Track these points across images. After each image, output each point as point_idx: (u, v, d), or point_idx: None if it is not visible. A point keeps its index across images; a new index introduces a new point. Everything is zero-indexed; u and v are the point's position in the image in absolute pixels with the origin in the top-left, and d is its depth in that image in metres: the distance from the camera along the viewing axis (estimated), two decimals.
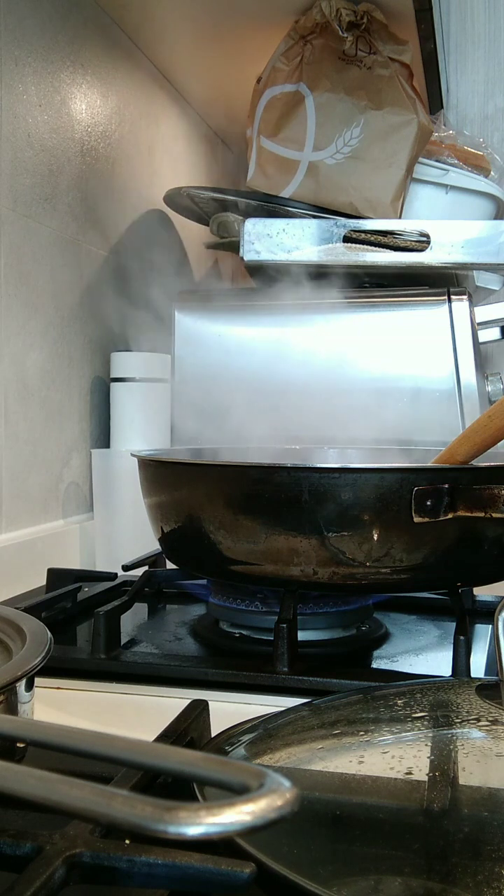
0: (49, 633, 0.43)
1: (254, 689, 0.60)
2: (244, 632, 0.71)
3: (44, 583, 0.84)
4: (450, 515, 0.60)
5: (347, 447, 0.96)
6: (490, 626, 0.72)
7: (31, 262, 0.96)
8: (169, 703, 0.54)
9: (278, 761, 0.42)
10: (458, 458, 0.66)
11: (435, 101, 1.37)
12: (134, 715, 0.59)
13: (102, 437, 1.12)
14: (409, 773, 0.39)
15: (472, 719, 0.44)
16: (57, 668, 0.62)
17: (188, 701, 0.48)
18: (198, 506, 0.66)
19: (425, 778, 0.40)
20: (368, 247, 1.08)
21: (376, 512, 0.61)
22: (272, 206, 1.10)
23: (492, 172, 1.28)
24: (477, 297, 1.21)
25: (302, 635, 0.64)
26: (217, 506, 0.65)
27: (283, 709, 0.49)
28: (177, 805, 0.23)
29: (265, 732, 0.45)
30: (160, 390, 1.10)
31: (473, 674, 0.61)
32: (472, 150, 1.27)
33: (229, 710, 0.54)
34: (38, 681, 0.41)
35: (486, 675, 0.62)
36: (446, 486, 0.60)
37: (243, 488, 0.64)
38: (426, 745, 0.43)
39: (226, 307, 1.16)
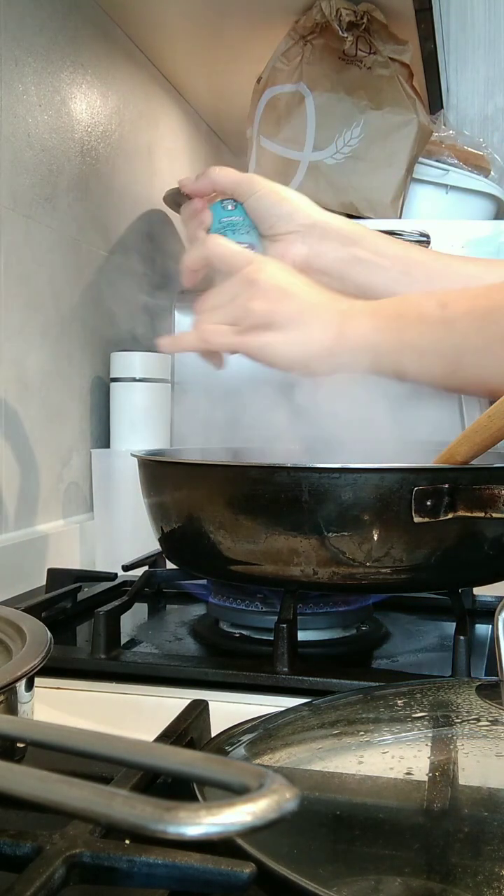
0: (49, 633, 0.43)
1: (254, 689, 0.60)
2: (244, 632, 0.71)
3: (44, 583, 0.84)
4: (450, 515, 0.60)
5: (347, 447, 0.96)
6: (490, 626, 0.72)
7: (31, 262, 0.96)
8: (169, 703, 0.54)
9: (278, 761, 0.42)
10: (458, 458, 0.66)
11: (435, 101, 1.37)
12: (134, 715, 0.59)
13: (102, 437, 1.12)
14: (409, 773, 0.39)
15: (472, 719, 0.44)
16: (57, 668, 0.62)
17: (188, 701, 0.48)
18: (198, 506, 0.66)
19: (425, 778, 0.39)
20: None
21: (376, 512, 0.61)
22: None
23: (492, 172, 1.28)
24: None
25: (302, 635, 0.64)
26: (217, 506, 0.65)
27: (283, 709, 0.49)
28: (177, 805, 0.23)
29: (265, 732, 0.45)
30: (160, 390, 1.10)
31: (473, 674, 0.61)
32: (472, 150, 1.27)
33: (229, 710, 0.54)
34: (38, 681, 0.41)
35: (486, 675, 0.62)
36: (446, 486, 0.60)
37: (243, 488, 0.64)
38: (426, 745, 0.43)
39: None
